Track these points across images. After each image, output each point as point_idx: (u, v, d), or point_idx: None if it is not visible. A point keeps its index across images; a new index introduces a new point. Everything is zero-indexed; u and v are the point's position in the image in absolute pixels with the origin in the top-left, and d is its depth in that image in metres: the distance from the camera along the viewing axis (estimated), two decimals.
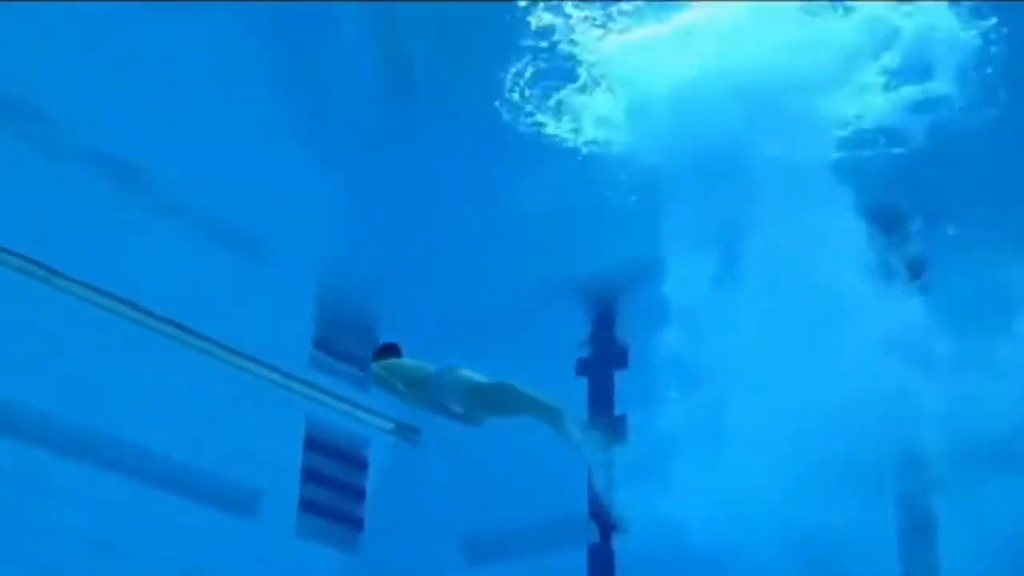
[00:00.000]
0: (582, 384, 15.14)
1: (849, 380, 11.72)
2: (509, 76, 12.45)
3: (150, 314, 13.86)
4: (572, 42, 12.21)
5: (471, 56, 12.38)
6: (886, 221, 12.70)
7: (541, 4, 11.85)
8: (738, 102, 12.22)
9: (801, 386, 11.81)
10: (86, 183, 12.95)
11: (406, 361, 10.31)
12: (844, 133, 12.74)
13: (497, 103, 12.70)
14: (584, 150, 13.10)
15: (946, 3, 11.59)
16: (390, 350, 10.58)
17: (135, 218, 13.37)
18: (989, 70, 11.99)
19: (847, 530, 11.89)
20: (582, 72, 12.52)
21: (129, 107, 12.47)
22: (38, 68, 12.02)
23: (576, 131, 13.04)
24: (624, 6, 11.98)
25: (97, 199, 13.05)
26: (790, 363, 11.92)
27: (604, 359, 15.15)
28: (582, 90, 12.70)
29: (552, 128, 12.96)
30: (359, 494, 15.74)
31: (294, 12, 11.90)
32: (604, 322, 15.23)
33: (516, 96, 12.65)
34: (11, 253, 12.75)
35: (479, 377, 9.65)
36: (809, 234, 12.18)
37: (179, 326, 14.10)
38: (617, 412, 14.66)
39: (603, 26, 12.10)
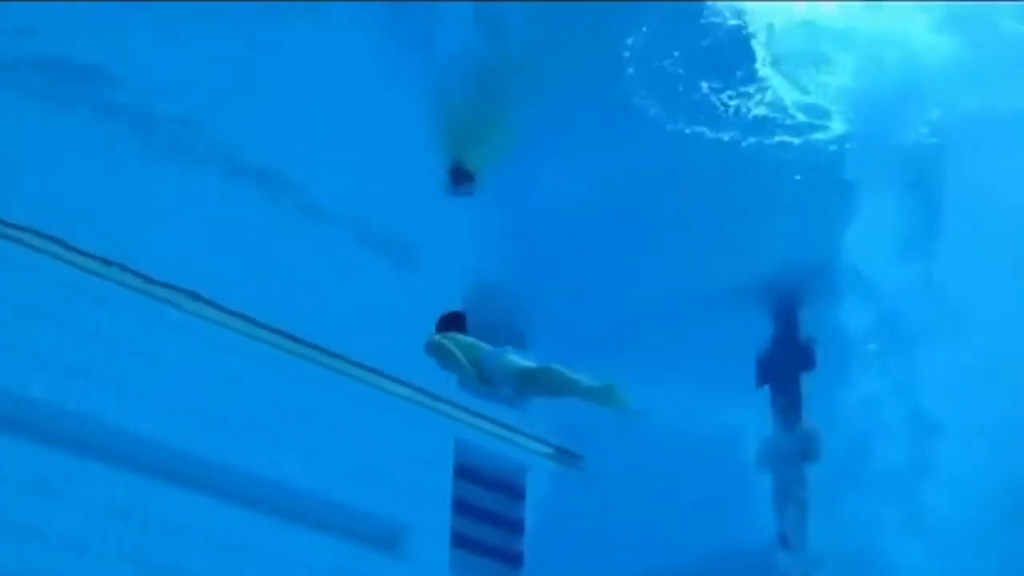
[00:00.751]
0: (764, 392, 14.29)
1: None
2: (667, 64, 11.92)
3: (285, 334, 13.33)
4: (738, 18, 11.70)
5: (623, 47, 11.90)
6: None
7: None
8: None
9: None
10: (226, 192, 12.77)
11: (464, 337, 10.55)
12: None
13: (655, 96, 12.21)
14: (744, 142, 12.49)
15: None
16: (455, 321, 10.75)
17: (274, 238, 13.07)
18: None
19: None
20: (753, 52, 11.97)
21: (270, 113, 12.32)
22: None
23: (747, 120, 12.40)
24: None
25: (235, 214, 12.82)
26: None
27: (789, 363, 14.11)
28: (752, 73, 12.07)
29: (716, 122, 12.38)
30: (517, 527, 14.92)
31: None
32: (787, 323, 14.24)
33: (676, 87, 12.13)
34: (133, 273, 12.41)
35: (526, 362, 10.16)
36: None
37: (317, 347, 13.54)
38: (806, 423, 13.75)
39: None
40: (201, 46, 11.46)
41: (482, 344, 10.41)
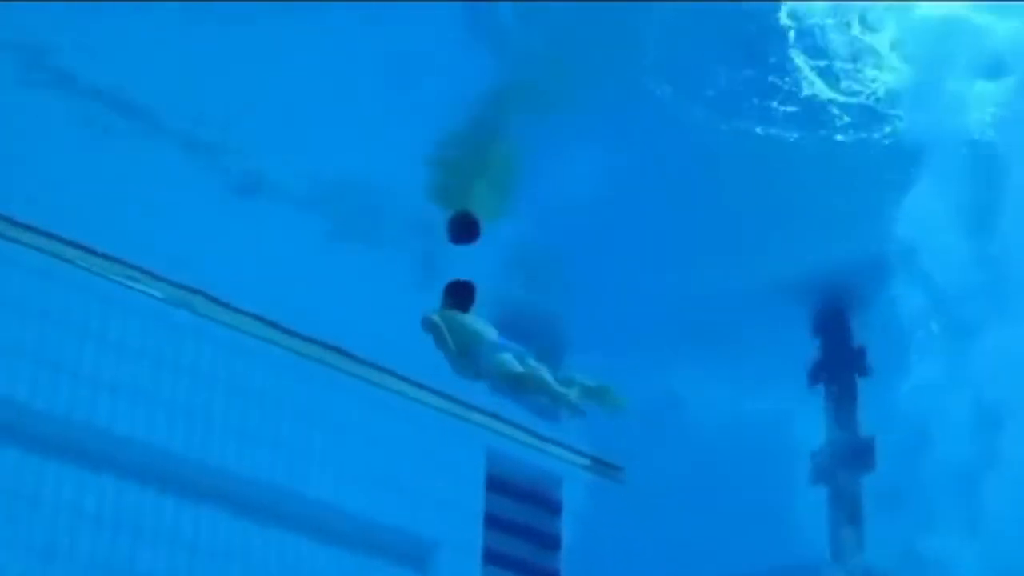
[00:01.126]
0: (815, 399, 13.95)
1: None
2: (694, 56, 11.42)
3: (309, 340, 13.23)
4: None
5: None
6: None
7: None
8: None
9: None
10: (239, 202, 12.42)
11: (465, 320, 10.63)
12: None
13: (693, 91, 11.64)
14: (790, 137, 11.98)
15: None
16: (462, 291, 10.82)
17: (295, 241, 12.69)
18: None
19: None
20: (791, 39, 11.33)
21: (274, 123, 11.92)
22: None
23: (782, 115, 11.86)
24: None
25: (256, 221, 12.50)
26: None
27: (842, 366, 13.71)
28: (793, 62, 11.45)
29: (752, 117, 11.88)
30: (552, 542, 14.81)
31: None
32: (839, 325, 13.88)
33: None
34: (156, 277, 12.42)
35: (517, 367, 10.39)
36: None
37: (343, 352, 13.44)
38: (863, 432, 13.38)
39: None
40: (202, 47, 11.10)
41: (484, 331, 10.41)
